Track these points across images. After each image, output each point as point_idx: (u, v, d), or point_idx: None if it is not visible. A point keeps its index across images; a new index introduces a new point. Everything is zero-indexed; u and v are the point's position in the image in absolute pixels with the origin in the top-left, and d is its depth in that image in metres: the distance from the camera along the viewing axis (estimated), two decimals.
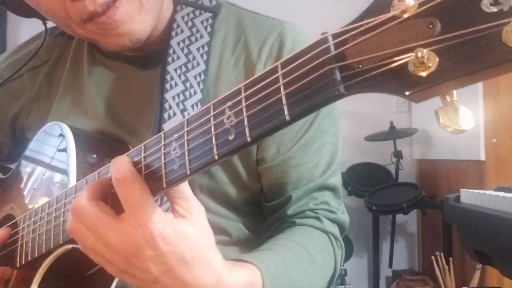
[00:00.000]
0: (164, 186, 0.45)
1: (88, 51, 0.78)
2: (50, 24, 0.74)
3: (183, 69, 0.69)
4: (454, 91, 0.27)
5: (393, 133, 2.50)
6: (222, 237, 0.72)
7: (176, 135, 0.45)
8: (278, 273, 0.57)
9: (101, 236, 0.47)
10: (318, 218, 0.71)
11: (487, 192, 1.38)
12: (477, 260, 1.38)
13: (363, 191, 2.42)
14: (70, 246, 0.59)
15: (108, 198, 0.50)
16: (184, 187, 0.48)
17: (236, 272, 0.51)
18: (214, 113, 0.41)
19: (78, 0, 0.57)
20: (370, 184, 2.46)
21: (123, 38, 0.62)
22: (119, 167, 0.46)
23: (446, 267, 2.17)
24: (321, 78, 0.32)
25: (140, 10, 0.62)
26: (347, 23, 0.31)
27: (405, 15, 0.27)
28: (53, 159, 0.68)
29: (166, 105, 0.67)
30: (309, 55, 0.33)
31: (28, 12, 0.69)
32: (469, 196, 1.42)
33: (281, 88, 0.35)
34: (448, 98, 0.27)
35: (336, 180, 0.74)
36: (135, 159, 0.49)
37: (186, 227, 0.47)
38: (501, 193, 1.31)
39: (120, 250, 0.46)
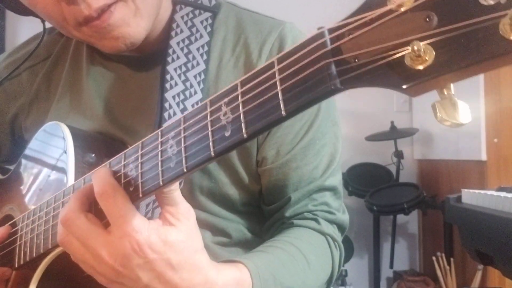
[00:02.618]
0: (161, 184, 0.45)
1: (87, 51, 0.78)
2: (49, 24, 0.74)
3: (183, 68, 0.69)
4: (452, 85, 0.27)
5: (393, 133, 2.50)
6: (223, 238, 0.72)
7: (173, 132, 0.45)
8: (269, 273, 0.57)
9: (90, 248, 0.48)
10: (316, 220, 0.71)
11: (489, 192, 1.37)
12: (478, 260, 1.38)
13: (364, 191, 2.42)
14: None
15: (92, 207, 0.51)
16: (175, 193, 0.49)
17: (224, 270, 0.53)
18: (211, 109, 0.41)
19: (74, 4, 0.57)
20: (371, 184, 2.45)
21: (117, 42, 0.62)
22: (99, 181, 0.48)
23: (447, 267, 2.17)
24: (317, 72, 0.31)
25: (136, 14, 0.61)
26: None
27: (402, 9, 0.27)
28: (51, 159, 0.68)
29: (166, 105, 0.67)
30: (305, 50, 0.32)
31: (26, 11, 0.69)
32: (470, 197, 1.42)
33: (278, 83, 0.34)
34: (445, 92, 0.27)
35: (335, 180, 0.74)
36: (132, 157, 0.49)
37: (171, 235, 0.48)
38: (503, 193, 1.31)
39: (109, 261, 0.48)
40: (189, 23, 0.72)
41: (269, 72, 0.35)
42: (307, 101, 0.32)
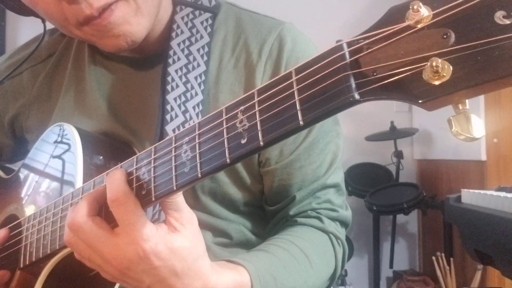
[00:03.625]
0: (175, 188, 0.46)
1: (89, 51, 0.78)
2: (50, 25, 0.73)
3: (184, 70, 0.69)
4: (467, 100, 0.28)
5: (393, 133, 2.50)
6: (223, 239, 0.73)
7: (187, 138, 0.45)
8: (269, 275, 0.58)
9: (97, 250, 0.50)
10: (319, 218, 0.71)
11: (488, 192, 1.38)
12: (478, 260, 1.39)
13: (364, 191, 2.43)
14: None
15: (102, 208, 0.52)
16: (178, 198, 0.50)
17: (224, 274, 0.54)
18: (227, 116, 0.42)
19: (75, 3, 0.57)
20: (371, 184, 2.46)
21: (118, 40, 0.62)
22: (113, 187, 0.48)
23: (447, 267, 2.18)
24: (335, 84, 0.32)
25: (137, 13, 0.62)
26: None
27: (420, 25, 0.28)
28: (59, 160, 0.68)
29: (168, 107, 0.67)
30: (324, 61, 0.33)
31: (27, 11, 0.68)
32: (470, 196, 1.42)
33: (295, 93, 0.35)
34: (460, 107, 0.28)
35: (338, 177, 0.75)
36: (145, 161, 0.49)
37: (177, 241, 0.49)
38: (502, 193, 1.31)
39: (114, 263, 0.49)
40: (190, 24, 0.72)
41: (287, 82, 0.36)
42: (326, 111, 0.33)
